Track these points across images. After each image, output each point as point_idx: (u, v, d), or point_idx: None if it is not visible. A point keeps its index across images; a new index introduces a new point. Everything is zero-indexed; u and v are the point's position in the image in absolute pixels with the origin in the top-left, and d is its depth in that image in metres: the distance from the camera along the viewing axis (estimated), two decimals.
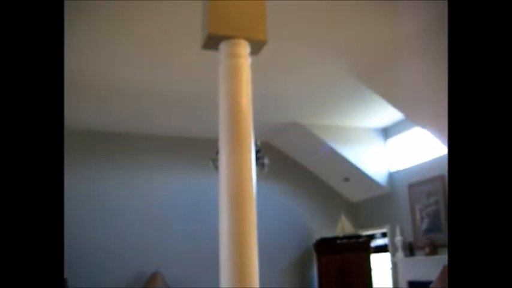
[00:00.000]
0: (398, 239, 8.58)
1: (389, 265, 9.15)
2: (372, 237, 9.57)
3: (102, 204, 8.63)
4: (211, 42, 2.77)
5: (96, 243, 8.38)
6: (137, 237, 8.67)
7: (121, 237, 8.56)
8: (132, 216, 8.75)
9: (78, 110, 7.75)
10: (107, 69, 6.43)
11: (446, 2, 2.85)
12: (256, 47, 2.85)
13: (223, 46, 2.75)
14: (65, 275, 7.43)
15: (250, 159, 2.33)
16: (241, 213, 2.35)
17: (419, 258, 8.13)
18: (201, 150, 8.52)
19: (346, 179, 9.53)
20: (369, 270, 8.99)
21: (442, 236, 7.67)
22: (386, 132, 9.43)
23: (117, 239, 8.54)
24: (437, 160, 7.86)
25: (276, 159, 8.70)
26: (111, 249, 8.46)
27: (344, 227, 9.34)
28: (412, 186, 8.55)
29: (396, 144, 9.20)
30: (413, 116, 7.44)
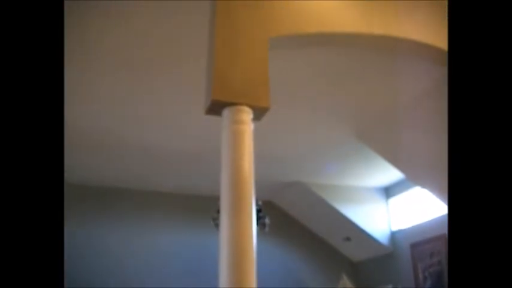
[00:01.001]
0: None
1: None
2: None
3: (102, 259, 8.57)
4: (215, 108, 2.86)
5: None
6: None
7: None
8: (132, 271, 8.67)
9: (80, 164, 7.82)
10: (110, 125, 6.56)
11: (446, 68, 2.96)
12: (259, 113, 2.94)
13: (226, 112, 2.84)
14: None
15: (251, 223, 2.40)
16: (241, 273, 2.40)
17: None
18: (201, 208, 8.53)
19: (348, 239, 9.49)
20: None
21: None
22: (388, 191, 9.46)
23: None
24: (440, 219, 7.83)
25: (277, 218, 8.72)
26: None
27: (346, 287, 9.25)
28: (414, 246, 8.51)
29: (398, 203, 9.22)
30: (413, 176, 7.52)
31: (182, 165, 8.00)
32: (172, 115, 6.24)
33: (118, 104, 5.95)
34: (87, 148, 7.26)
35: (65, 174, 7.98)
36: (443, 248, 7.79)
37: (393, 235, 9.22)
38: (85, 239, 8.55)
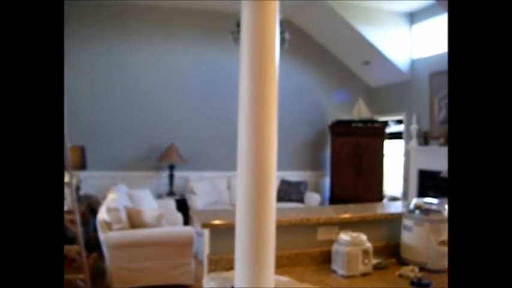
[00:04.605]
0: (414, 127, 8.54)
1: (402, 152, 9.18)
2: (387, 123, 9.53)
3: (118, 79, 8.58)
4: None
5: (112, 117, 8.45)
6: (153, 111, 8.71)
7: (137, 111, 8.61)
8: (148, 90, 8.73)
9: None
10: None
11: None
12: None
13: None
14: (82, 144, 7.58)
15: (275, 17, 2.21)
16: (262, 75, 2.26)
17: (433, 148, 8.12)
18: (220, 24, 8.32)
19: (367, 62, 9.33)
20: (382, 155, 9.05)
21: None
22: (412, 17, 9.09)
23: (133, 112, 8.59)
24: None
25: (297, 38, 8.51)
26: (127, 122, 8.54)
27: (361, 110, 9.29)
28: (433, 76, 8.36)
29: (421, 31, 8.90)
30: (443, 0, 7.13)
31: None
32: None
33: None
34: None
35: None
36: None
37: (413, 63, 9.03)
38: (101, 57, 8.49)
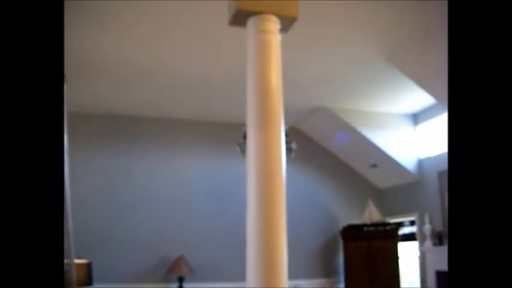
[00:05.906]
0: (427, 227, 8.37)
1: (417, 254, 8.97)
2: (399, 225, 9.37)
3: (127, 189, 8.60)
4: (239, 17, 2.64)
5: (120, 228, 8.37)
6: (161, 222, 8.64)
7: (145, 222, 8.54)
8: (156, 200, 8.71)
9: (101, 93, 7.71)
10: (129, 52, 6.33)
11: None
12: (286, 24, 2.71)
13: (251, 22, 2.61)
14: (89, 260, 7.43)
15: (280, 139, 2.20)
16: (270, 193, 2.24)
17: None
18: (227, 135, 8.43)
19: (374, 165, 9.33)
20: (396, 258, 8.82)
21: None
22: (416, 118, 9.20)
23: (141, 223, 8.51)
24: None
25: (303, 144, 8.55)
26: (135, 233, 8.44)
27: (371, 214, 9.18)
28: (442, 174, 8.31)
29: (426, 131, 8.97)
30: (444, 99, 7.21)
31: (206, 91, 7.78)
32: (192, 36, 5.94)
33: (134, 28, 5.68)
34: (105, 77, 7.10)
35: (86, 106, 7.93)
36: None
37: (420, 163, 9.03)
38: (110, 168, 8.57)
